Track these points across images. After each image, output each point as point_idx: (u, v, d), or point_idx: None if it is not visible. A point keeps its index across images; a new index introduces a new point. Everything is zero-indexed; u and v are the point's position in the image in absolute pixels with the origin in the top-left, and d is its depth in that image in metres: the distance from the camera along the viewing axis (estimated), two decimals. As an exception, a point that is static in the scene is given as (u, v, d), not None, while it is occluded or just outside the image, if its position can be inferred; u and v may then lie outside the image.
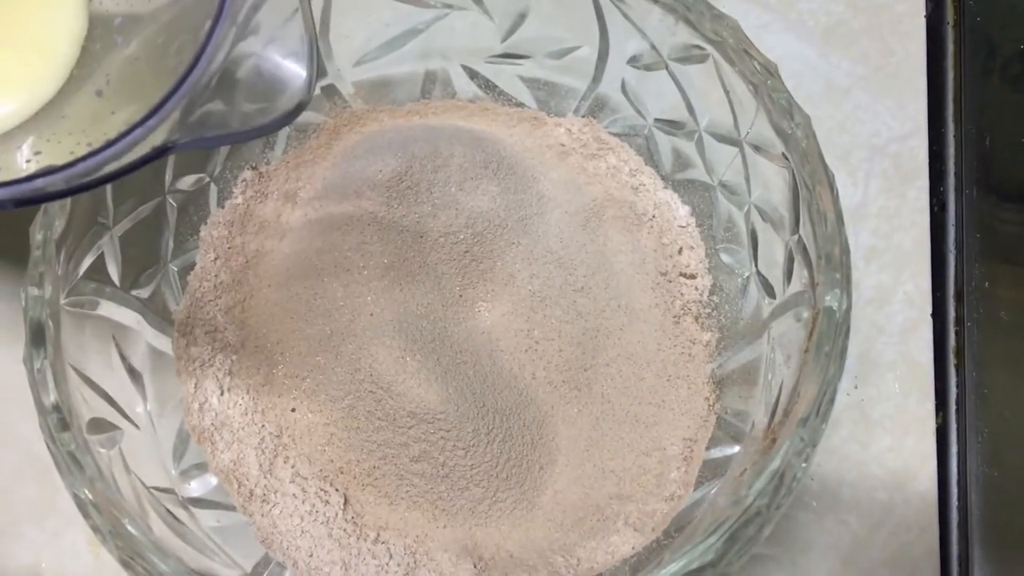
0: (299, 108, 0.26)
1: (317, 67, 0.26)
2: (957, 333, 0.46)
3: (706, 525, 0.33)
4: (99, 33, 0.27)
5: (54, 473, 0.33)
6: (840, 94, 0.49)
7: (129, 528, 0.32)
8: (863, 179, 0.48)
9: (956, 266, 0.47)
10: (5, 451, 0.44)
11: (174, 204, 0.40)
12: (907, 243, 0.47)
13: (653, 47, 0.39)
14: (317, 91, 0.42)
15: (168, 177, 0.39)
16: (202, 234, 0.41)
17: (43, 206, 0.34)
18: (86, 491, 0.32)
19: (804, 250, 0.35)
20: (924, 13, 0.50)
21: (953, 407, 0.45)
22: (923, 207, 0.48)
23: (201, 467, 0.38)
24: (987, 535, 0.43)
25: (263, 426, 0.38)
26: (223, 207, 0.41)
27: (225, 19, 0.23)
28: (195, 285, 0.40)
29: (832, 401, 0.31)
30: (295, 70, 0.25)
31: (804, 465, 0.31)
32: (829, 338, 0.32)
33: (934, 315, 0.46)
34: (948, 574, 0.43)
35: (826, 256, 0.33)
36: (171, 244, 0.40)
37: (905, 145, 0.49)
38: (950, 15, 0.51)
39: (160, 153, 0.24)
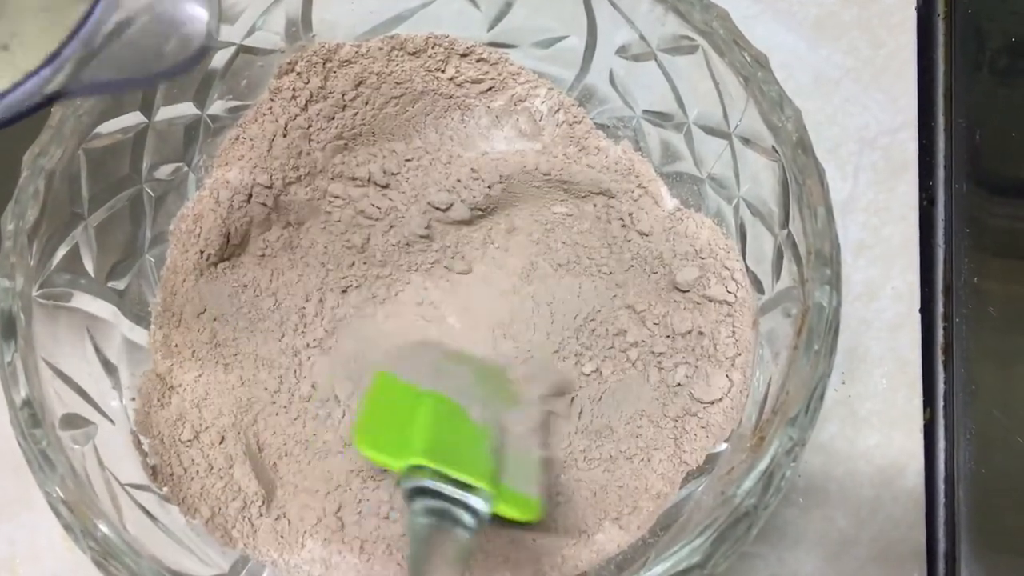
0: (201, 52, 0.25)
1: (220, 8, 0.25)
2: (946, 329, 0.46)
3: (693, 524, 0.32)
4: None
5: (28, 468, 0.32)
6: (830, 86, 0.49)
7: (102, 528, 0.31)
8: (852, 172, 0.48)
9: (945, 261, 0.47)
10: (-22, 445, 0.43)
11: (152, 194, 0.39)
12: (896, 237, 0.47)
13: (642, 37, 0.38)
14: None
15: (145, 166, 0.38)
16: (171, 227, 0.40)
17: (15, 194, 0.33)
18: (58, 490, 0.31)
19: (794, 245, 0.34)
20: (915, 5, 0.50)
21: (941, 403, 0.45)
22: (912, 201, 0.47)
23: (178, 463, 0.38)
24: (974, 532, 0.43)
25: (239, 432, 0.38)
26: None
27: None
28: (168, 277, 0.40)
29: (822, 399, 0.31)
30: (196, 11, 0.24)
31: (793, 464, 0.30)
32: (819, 335, 0.31)
33: (922, 310, 0.46)
34: (935, 571, 0.43)
35: (816, 252, 0.32)
36: (148, 235, 0.39)
37: (895, 138, 0.48)
38: (940, 7, 0.50)
39: (52, 99, 0.23)
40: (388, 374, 0.36)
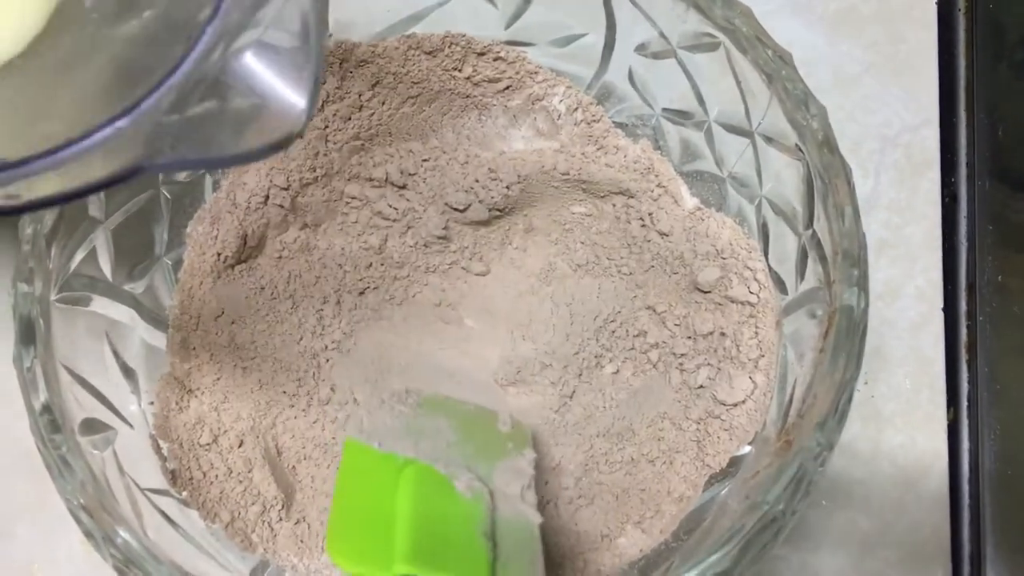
0: (288, 140, 0.22)
1: (315, 99, 0.22)
2: (969, 328, 0.45)
3: (718, 528, 0.32)
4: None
5: (47, 472, 0.32)
6: (850, 82, 0.48)
7: (123, 534, 0.31)
8: (874, 170, 0.47)
9: (968, 259, 0.46)
10: (-4, 448, 0.43)
11: (168, 196, 0.39)
12: (918, 236, 0.46)
13: (662, 35, 0.38)
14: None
15: (162, 168, 0.38)
16: (188, 230, 0.40)
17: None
18: (78, 496, 0.31)
19: (819, 245, 0.34)
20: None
21: (965, 403, 0.44)
22: (935, 199, 0.47)
23: (197, 467, 0.37)
24: (1000, 534, 0.42)
25: (257, 435, 0.37)
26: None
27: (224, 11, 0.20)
28: (185, 280, 0.40)
29: (849, 402, 0.31)
30: (296, 100, 0.22)
31: (821, 469, 0.30)
32: (847, 338, 0.31)
33: (945, 309, 0.45)
34: (960, 573, 0.43)
35: (844, 252, 0.32)
36: (165, 237, 0.39)
37: (916, 135, 0.48)
38: (962, 2, 0.50)
39: (129, 174, 0.20)
40: (358, 443, 0.33)
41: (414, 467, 0.32)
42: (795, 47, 0.47)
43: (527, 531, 0.32)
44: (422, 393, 0.37)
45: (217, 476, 0.37)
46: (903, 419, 0.43)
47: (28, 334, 0.32)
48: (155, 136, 0.20)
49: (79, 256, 0.35)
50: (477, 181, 0.41)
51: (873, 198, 0.47)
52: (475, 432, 0.35)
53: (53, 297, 0.34)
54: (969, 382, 0.44)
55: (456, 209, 0.41)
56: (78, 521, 0.31)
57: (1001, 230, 0.46)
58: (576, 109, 0.42)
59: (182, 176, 0.39)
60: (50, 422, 0.31)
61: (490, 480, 0.33)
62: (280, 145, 0.22)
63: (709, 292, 0.39)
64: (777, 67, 0.34)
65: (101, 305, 0.36)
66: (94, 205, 0.35)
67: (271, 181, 0.40)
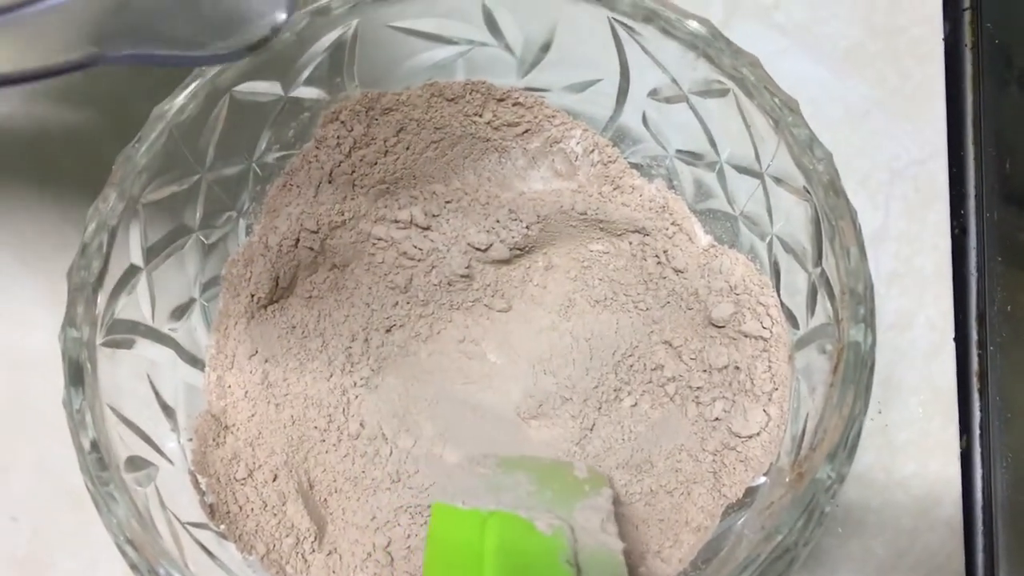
0: (262, 42, 0.21)
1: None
2: (980, 356, 0.46)
3: (735, 558, 0.33)
4: None
5: (89, 504, 0.33)
6: (858, 117, 0.50)
7: (166, 567, 0.32)
8: (883, 203, 0.48)
9: (978, 289, 0.47)
10: (40, 482, 0.45)
11: (204, 241, 0.41)
12: (928, 267, 0.47)
13: (673, 81, 0.39)
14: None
15: (199, 216, 0.40)
16: (223, 272, 0.42)
17: (81, 248, 0.35)
18: (124, 531, 0.32)
19: (827, 283, 0.35)
20: (942, 35, 0.51)
21: (977, 431, 0.45)
22: (944, 230, 0.48)
23: (234, 500, 0.39)
24: (1013, 560, 0.43)
25: (291, 470, 0.39)
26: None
27: None
28: (220, 321, 0.41)
29: (859, 435, 0.32)
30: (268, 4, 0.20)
31: (832, 500, 0.31)
32: (855, 373, 0.32)
33: (956, 339, 0.46)
34: (975, 600, 0.43)
35: (850, 291, 0.33)
36: (202, 279, 0.41)
37: (924, 168, 0.49)
38: (968, 37, 0.51)
39: (89, 62, 0.19)
40: (445, 505, 0.35)
41: (497, 516, 0.33)
42: (805, 84, 0.49)
43: (611, 557, 0.34)
44: (500, 455, 0.39)
45: (253, 509, 0.39)
46: (916, 447, 0.44)
47: (77, 376, 0.34)
48: (114, 24, 0.19)
49: (122, 302, 0.37)
50: (498, 222, 0.43)
51: (883, 230, 0.48)
52: (553, 480, 0.37)
53: (99, 341, 0.35)
54: (981, 410, 0.45)
55: (478, 249, 0.43)
56: (124, 555, 0.33)
57: (1010, 260, 0.47)
58: (593, 151, 0.43)
59: (217, 222, 0.41)
60: (98, 460, 0.33)
61: (571, 519, 0.35)
62: (253, 47, 0.21)
63: (723, 327, 0.40)
64: (783, 113, 0.35)
65: (143, 347, 0.38)
66: (135, 253, 0.37)
67: (302, 225, 0.41)
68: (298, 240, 0.42)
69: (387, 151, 0.43)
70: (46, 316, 0.47)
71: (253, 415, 0.40)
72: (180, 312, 0.40)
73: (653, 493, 0.39)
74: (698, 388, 0.40)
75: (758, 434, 0.38)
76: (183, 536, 0.36)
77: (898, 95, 0.50)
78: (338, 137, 0.42)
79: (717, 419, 0.39)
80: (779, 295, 0.39)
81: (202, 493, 0.38)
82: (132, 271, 0.37)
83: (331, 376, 0.42)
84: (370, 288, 0.43)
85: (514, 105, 0.43)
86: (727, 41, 0.37)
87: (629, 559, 0.37)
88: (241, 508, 0.38)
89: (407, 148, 0.43)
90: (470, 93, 0.42)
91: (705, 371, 0.40)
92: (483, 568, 0.31)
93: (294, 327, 0.42)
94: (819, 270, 0.36)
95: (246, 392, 0.41)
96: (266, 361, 0.41)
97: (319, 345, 0.42)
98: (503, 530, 0.33)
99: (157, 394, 0.38)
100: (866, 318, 0.32)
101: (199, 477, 0.38)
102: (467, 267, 0.43)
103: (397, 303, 0.43)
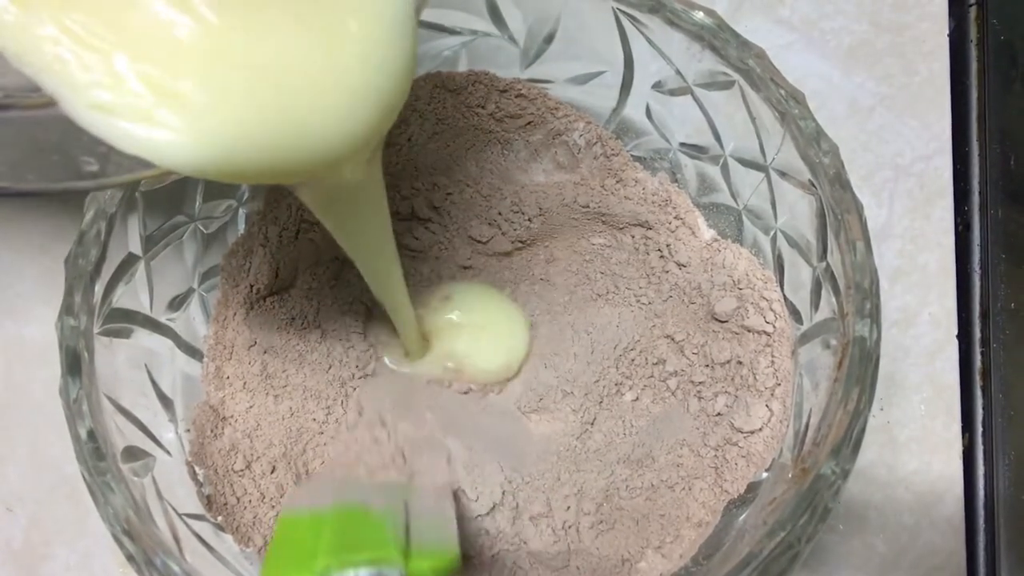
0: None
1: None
2: (983, 354, 0.46)
3: (737, 553, 0.33)
4: None
5: (86, 495, 0.33)
6: (864, 113, 0.49)
7: (163, 558, 0.32)
8: (887, 199, 0.48)
9: (982, 286, 0.47)
10: (37, 472, 0.45)
11: (204, 230, 0.40)
12: (932, 264, 0.47)
13: (678, 72, 0.39)
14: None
15: (198, 204, 0.40)
16: (221, 263, 0.41)
17: (78, 237, 0.35)
18: (121, 521, 0.32)
19: (832, 277, 0.35)
20: (947, 31, 0.50)
21: (980, 429, 0.45)
22: (948, 227, 0.48)
23: (231, 492, 0.39)
24: (1015, 558, 0.43)
25: (289, 462, 0.39)
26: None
27: None
28: (219, 311, 0.41)
29: (863, 431, 0.31)
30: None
31: (836, 496, 0.31)
32: (860, 368, 0.32)
33: (960, 336, 0.46)
34: (976, 598, 0.43)
35: (856, 285, 0.33)
36: (200, 269, 0.41)
37: (929, 165, 0.49)
38: (973, 33, 0.51)
39: None
40: (288, 515, 0.34)
41: (335, 507, 0.33)
42: (811, 79, 0.49)
43: (443, 517, 0.35)
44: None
45: (251, 501, 0.38)
46: (918, 444, 0.44)
47: (74, 366, 0.34)
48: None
49: (120, 291, 0.36)
50: (500, 214, 0.42)
51: (887, 227, 0.48)
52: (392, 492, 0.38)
53: (96, 330, 0.35)
54: (984, 408, 0.45)
55: (479, 241, 0.43)
56: (120, 545, 0.32)
57: (1014, 258, 0.47)
58: (595, 143, 0.43)
59: (216, 211, 0.41)
60: (94, 450, 0.33)
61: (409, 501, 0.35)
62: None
63: (726, 321, 0.40)
64: (789, 106, 0.35)
65: (141, 337, 0.38)
66: (134, 242, 0.37)
67: (302, 216, 0.41)
68: (298, 232, 0.42)
69: (389, 142, 0.42)
70: (43, 305, 0.46)
71: (251, 406, 0.40)
72: (178, 302, 0.40)
73: (654, 488, 0.39)
74: (700, 383, 0.40)
75: (760, 429, 0.38)
76: (180, 527, 0.35)
77: (903, 91, 0.50)
78: (340, 127, 0.41)
79: (719, 414, 0.39)
80: (783, 290, 0.39)
81: (200, 484, 0.38)
82: (130, 260, 0.37)
83: (330, 368, 0.42)
84: (370, 280, 0.43)
85: (517, 97, 0.43)
86: (733, 32, 0.36)
87: (624, 554, 0.37)
88: (239, 500, 0.38)
89: (409, 139, 0.42)
90: (473, 84, 0.42)
91: (707, 366, 0.40)
92: (317, 546, 0.30)
93: (294, 319, 0.42)
94: (824, 264, 0.35)
95: (244, 383, 0.40)
96: (265, 352, 0.41)
97: (318, 336, 0.42)
98: (339, 516, 0.33)
99: (155, 384, 0.38)
100: (872, 313, 0.32)
101: (197, 468, 0.38)
102: (468, 259, 0.43)
103: (397, 295, 0.43)
